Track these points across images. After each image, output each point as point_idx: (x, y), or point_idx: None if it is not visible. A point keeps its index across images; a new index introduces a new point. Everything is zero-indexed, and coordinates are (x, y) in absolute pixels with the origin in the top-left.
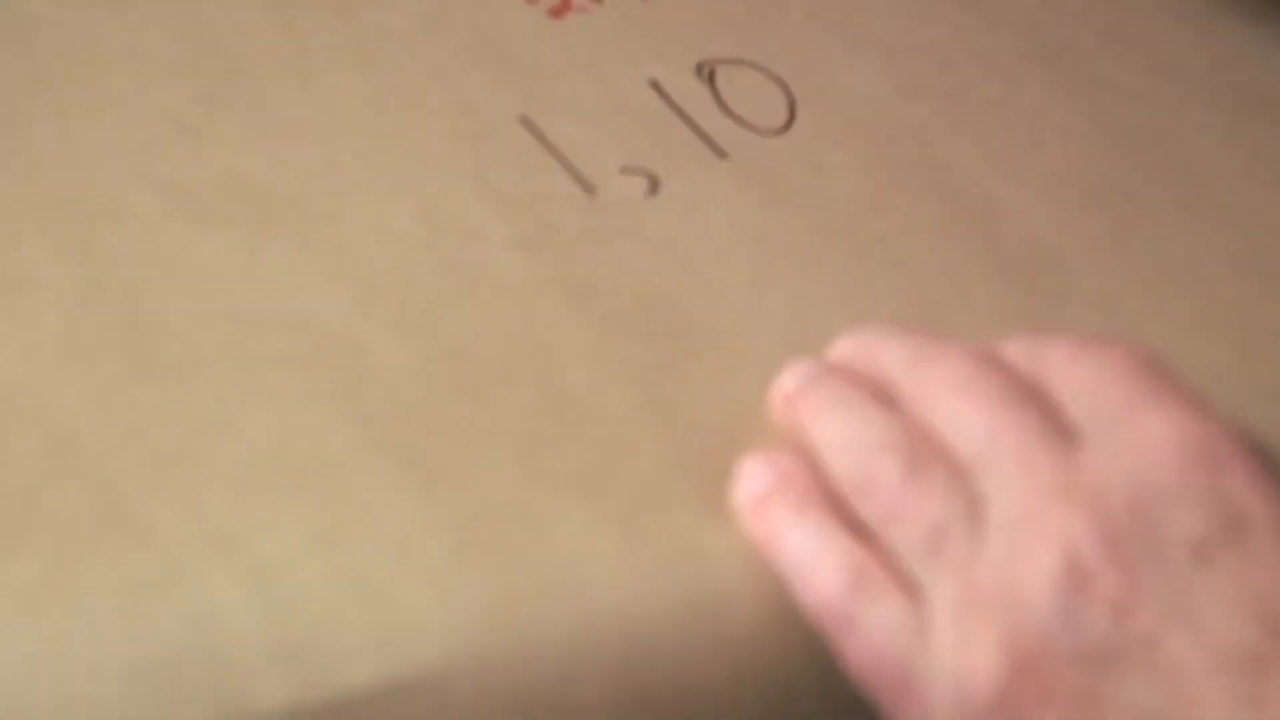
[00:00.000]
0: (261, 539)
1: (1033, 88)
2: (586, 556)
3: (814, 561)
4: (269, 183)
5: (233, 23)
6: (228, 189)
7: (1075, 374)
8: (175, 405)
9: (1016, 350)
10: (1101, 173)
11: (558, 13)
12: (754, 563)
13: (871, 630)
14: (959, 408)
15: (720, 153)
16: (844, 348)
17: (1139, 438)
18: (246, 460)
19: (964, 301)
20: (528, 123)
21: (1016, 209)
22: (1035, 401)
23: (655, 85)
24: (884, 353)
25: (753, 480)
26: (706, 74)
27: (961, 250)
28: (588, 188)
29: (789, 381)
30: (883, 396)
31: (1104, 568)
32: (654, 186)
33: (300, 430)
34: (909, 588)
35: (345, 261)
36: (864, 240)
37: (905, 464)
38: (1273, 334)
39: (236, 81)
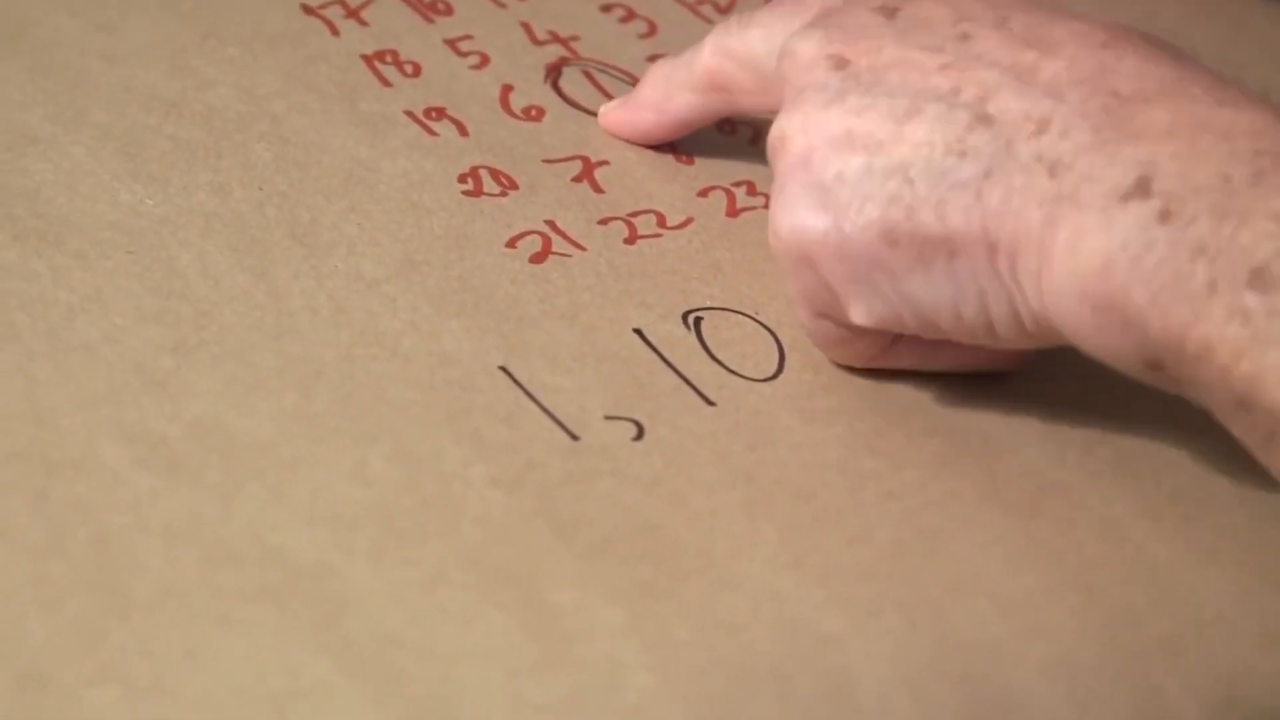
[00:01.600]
0: None
1: None
2: None
3: None
4: (240, 431)
5: (203, 270)
6: (198, 438)
7: None
8: (147, 639)
9: None
10: (1103, 415)
11: (538, 259)
12: None
13: None
14: None
15: (708, 400)
16: None
17: None
18: (222, 692)
19: (964, 527)
20: (508, 372)
21: (1014, 448)
22: None
23: (639, 333)
24: None
25: None
26: (692, 322)
27: (959, 482)
28: (571, 434)
29: None
30: None
31: None
32: (640, 432)
33: (277, 661)
34: None
35: (320, 503)
36: (857, 476)
37: None
38: None
39: (207, 330)
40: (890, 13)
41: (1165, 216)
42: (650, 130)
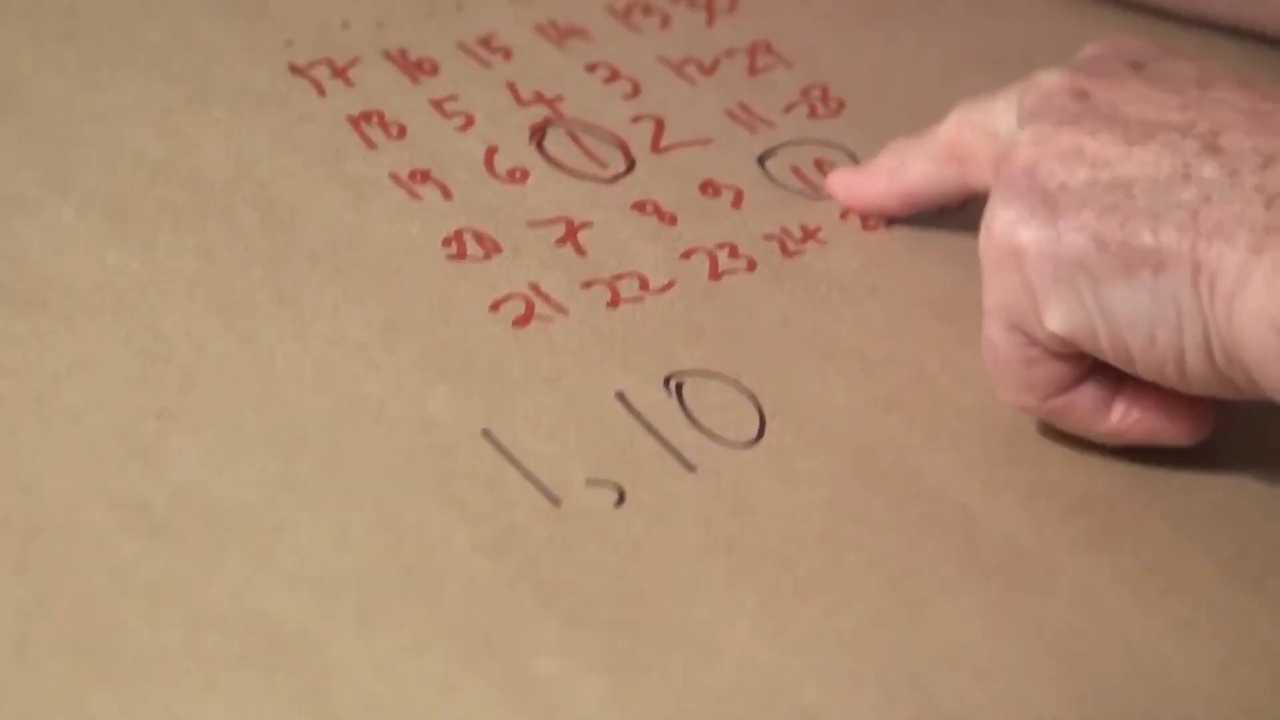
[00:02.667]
0: None
1: None
2: None
3: None
4: (224, 496)
5: (188, 333)
6: (182, 503)
7: None
8: (130, 705)
9: None
10: (1083, 483)
11: (521, 322)
12: None
13: None
14: None
15: (689, 465)
16: None
17: None
18: None
19: (944, 596)
20: (490, 437)
21: (995, 516)
22: None
23: (621, 397)
24: None
25: None
26: (674, 386)
27: (940, 550)
28: (553, 499)
29: None
30: None
31: None
32: (621, 497)
33: None
34: None
35: (304, 567)
36: (839, 543)
37: None
38: (1258, 640)
39: (191, 394)
40: (1138, 67)
41: None
42: (877, 197)
